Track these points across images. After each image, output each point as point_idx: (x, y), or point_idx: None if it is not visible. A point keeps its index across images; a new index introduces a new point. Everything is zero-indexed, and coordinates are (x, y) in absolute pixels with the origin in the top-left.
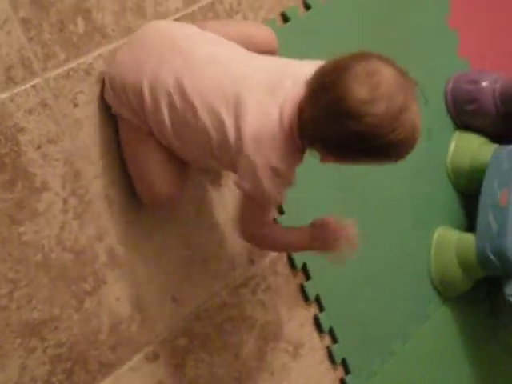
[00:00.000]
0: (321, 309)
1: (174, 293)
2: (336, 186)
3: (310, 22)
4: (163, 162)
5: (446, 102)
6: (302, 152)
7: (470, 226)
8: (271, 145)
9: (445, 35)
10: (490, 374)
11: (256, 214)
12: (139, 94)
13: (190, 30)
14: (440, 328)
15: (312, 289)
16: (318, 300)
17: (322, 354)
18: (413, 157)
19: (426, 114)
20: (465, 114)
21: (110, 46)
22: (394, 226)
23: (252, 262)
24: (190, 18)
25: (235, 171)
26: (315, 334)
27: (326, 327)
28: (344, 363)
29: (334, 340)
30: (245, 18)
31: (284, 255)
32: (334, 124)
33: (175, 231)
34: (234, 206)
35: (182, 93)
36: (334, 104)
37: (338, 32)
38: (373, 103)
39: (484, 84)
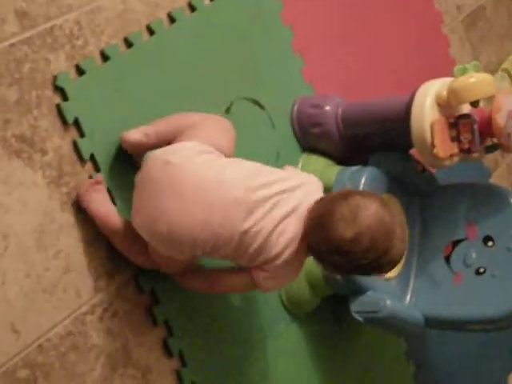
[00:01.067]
0: (170, 333)
1: (14, 323)
2: None
3: (153, 47)
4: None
5: (293, 125)
6: None
7: None
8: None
9: (290, 60)
10: None
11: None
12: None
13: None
14: (290, 346)
15: (160, 313)
16: (166, 324)
17: (171, 379)
18: None
19: (275, 138)
20: (310, 136)
21: None
22: None
23: (98, 288)
24: (27, 43)
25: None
26: (164, 358)
27: (175, 351)
28: None
29: (184, 363)
30: (86, 42)
31: (132, 280)
32: (326, 254)
33: (16, 259)
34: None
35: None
36: (325, 242)
37: (183, 56)
38: (357, 242)
39: (327, 108)
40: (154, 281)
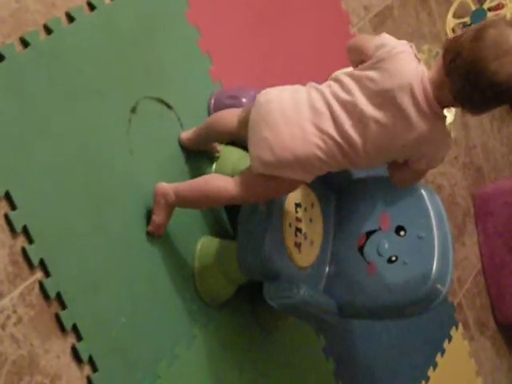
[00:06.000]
0: (79, 338)
1: None
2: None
3: (52, 46)
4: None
5: None
6: None
7: (234, 234)
8: None
9: (197, 59)
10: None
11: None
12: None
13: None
14: (208, 345)
15: (68, 318)
16: (75, 329)
17: None
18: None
19: None
20: None
21: None
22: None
23: (0, 294)
24: None
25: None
26: (73, 365)
27: (85, 356)
28: None
29: (95, 369)
30: None
31: (36, 286)
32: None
33: None
34: None
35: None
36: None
37: (85, 56)
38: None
39: (244, 100)
40: (61, 285)
